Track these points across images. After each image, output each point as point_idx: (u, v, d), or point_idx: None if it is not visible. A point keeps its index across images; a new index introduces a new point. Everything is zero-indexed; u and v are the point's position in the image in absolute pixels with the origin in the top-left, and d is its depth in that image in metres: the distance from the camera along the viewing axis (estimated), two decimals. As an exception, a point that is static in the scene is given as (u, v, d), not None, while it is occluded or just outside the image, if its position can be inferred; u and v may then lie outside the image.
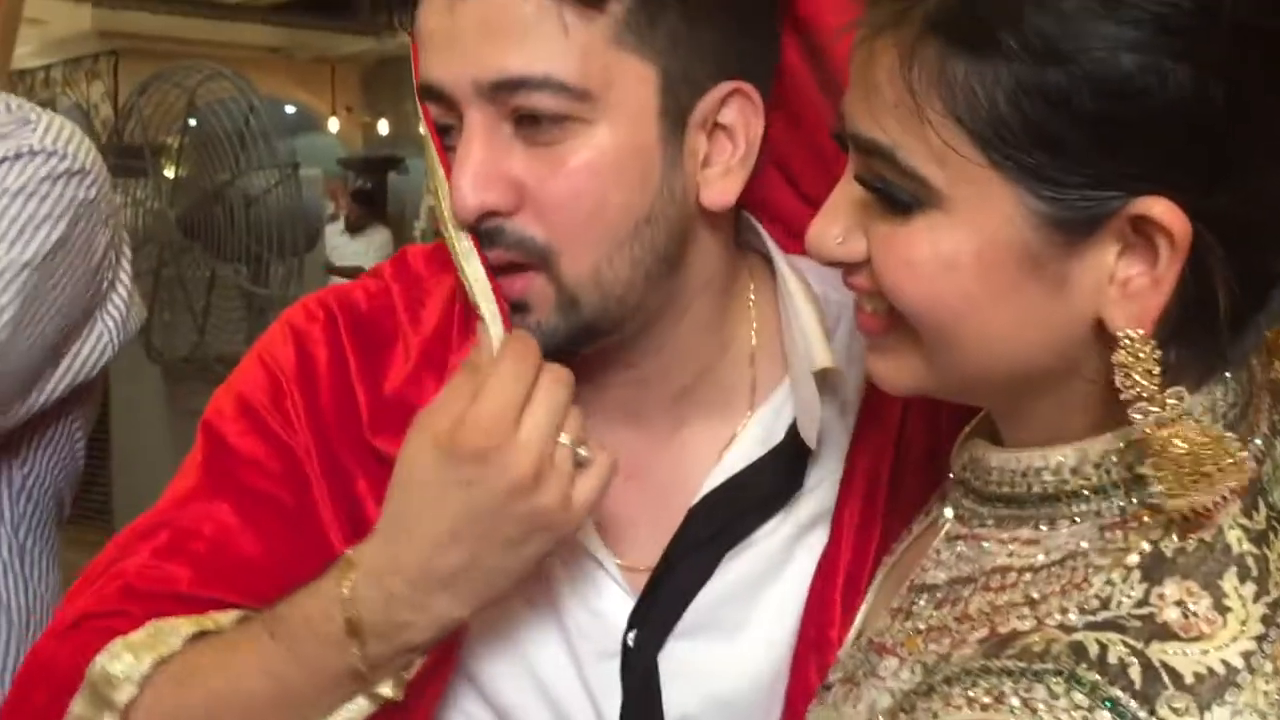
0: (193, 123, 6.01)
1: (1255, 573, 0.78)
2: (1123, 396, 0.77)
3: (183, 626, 1.01)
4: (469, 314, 1.04)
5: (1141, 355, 0.77)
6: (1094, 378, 0.80)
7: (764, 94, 1.01)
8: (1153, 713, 0.72)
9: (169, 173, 6.13)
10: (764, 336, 1.10)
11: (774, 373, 1.09)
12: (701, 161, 1.00)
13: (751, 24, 1.01)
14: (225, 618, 1.02)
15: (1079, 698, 0.72)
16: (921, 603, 0.89)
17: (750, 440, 1.08)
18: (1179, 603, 0.76)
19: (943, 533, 0.92)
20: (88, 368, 1.75)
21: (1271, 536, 0.80)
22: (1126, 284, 0.77)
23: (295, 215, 6.16)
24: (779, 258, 1.09)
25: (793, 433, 1.06)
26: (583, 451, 0.95)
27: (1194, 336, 0.79)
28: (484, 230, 0.98)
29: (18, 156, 1.67)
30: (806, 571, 1.05)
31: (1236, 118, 0.74)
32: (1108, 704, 0.72)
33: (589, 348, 1.02)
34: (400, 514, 0.96)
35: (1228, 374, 0.83)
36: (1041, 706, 0.72)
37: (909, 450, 1.06)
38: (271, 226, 5.92)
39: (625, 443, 1.06)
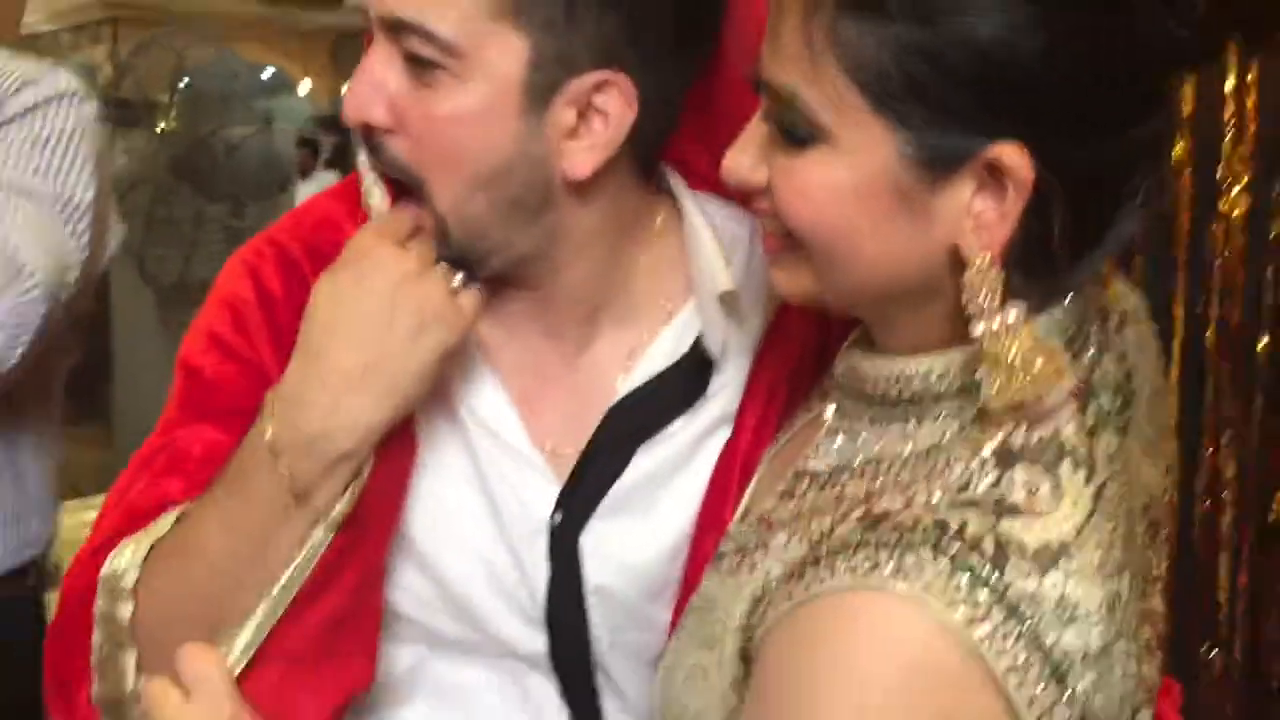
0: (184, 81, 5.90)
1: (1086, 462, 0.78)
2: (967, 311, 0.77)
3: (173, 513, 0.99)
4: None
5: (988, 278, 0.76)
6: (952, 297, 0.79)
7: (658, 94, 0.96)
8: (1002, 576, 0.72)
9: (161, 125, 6.02)
10: (670, 265, 1.07)
11: (679, 295, 1.06)
12: (567, 134, 0.95)
13: (650, 33, 0.95)
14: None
15: (943, 564, 0.72)
16: (805, 486, 0.87)
17: (659, 352, 1.05)
18: (1025, 485, 0.76)
19: (824, 428, 0.90)
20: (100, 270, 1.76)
21: (1100, 431, 0.80)
22: (979, 217, 0.76)
23: (270, 163, 6.08)
24: (685, 196, 1.06)
25: (697, 346, 1.04)
26: (456, 280, 0.96)
27: (1035, 265, 0.78)
28: (368, 142, 0.97)
29: (60, 97, 1.65)
30: (709, 464, 1.03)
31: (1081, 82, 0.73)
32: (966, 569, 0.72)
33: (475, 275, 1.00)
34: (307, 336, 0.94)
35: (1066, 299, 0.82)
36: (912, 572, 0.72)
37: (805, 360, 1.04)
38: (249, 172, 5.84)
39: (541, 353, 1.05)
